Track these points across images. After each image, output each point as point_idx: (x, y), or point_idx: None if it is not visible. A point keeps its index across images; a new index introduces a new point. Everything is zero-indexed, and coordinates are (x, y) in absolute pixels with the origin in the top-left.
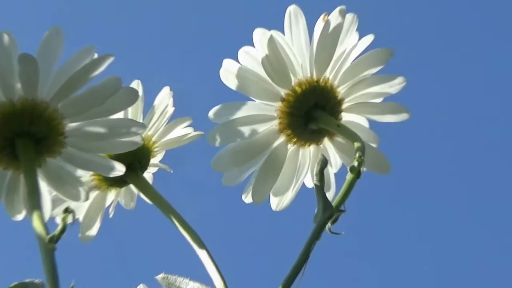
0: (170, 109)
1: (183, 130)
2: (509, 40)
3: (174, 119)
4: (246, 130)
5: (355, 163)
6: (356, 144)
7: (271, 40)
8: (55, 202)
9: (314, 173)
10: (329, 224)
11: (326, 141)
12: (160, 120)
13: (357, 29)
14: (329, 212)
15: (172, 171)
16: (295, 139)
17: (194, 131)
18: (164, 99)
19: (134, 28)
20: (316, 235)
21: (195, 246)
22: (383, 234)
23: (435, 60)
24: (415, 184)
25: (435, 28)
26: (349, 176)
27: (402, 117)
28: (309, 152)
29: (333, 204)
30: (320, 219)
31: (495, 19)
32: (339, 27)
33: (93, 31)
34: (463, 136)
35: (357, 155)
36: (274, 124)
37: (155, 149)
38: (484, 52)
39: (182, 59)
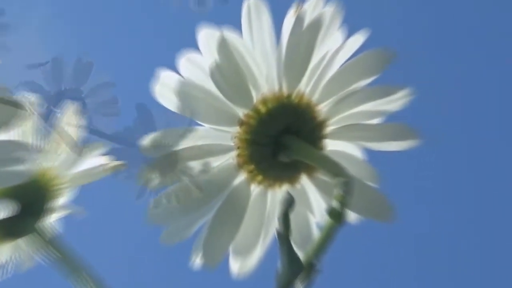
0: (78, 131)
1: (96, 160)
2: None
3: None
4: (192, 166)
5: (335, 204)
6: (337, 179)
7: (223, 42)
8: None
9: (277, 217)
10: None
11: (305, 180)
12: (64, 146)
13: (341, 26)
14: (297, 269)
15: (85, 214)
16: (260, 177)
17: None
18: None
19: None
20: None
21: None
22: None
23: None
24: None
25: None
26: (326, 221)
27: (408, 144)
28: (280, 195)
29: (303, 259)
30: (284, 278)
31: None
32: (317, 22)
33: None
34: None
35: (338, 192)
36: (231, 157)
37: (60, 186)
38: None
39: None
